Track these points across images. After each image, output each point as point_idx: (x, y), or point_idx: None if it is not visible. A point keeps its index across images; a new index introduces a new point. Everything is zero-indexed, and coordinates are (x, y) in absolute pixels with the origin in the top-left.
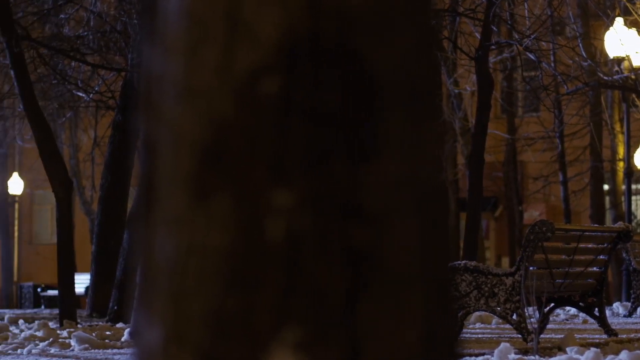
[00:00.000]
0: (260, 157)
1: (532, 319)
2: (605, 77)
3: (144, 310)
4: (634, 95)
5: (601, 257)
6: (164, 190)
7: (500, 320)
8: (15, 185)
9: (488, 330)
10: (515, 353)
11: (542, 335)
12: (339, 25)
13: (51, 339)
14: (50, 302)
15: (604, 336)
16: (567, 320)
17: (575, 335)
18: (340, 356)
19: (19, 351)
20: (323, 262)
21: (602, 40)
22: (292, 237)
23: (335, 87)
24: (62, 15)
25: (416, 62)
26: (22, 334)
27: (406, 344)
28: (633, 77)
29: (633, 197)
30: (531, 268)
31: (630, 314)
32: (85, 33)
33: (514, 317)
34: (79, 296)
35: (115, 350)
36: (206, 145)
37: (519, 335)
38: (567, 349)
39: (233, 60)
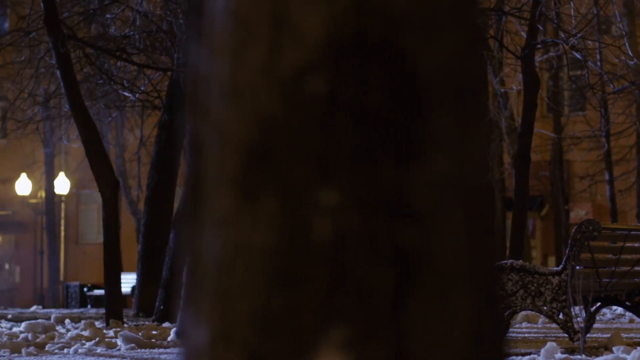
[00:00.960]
0: (307, 156)
1: (578, 318)
2: None
3: (191, 309)
4: None
5: None
6: (210, 190)
7: (547, 320)
8: (62, 185)
9: (534, 330)
10: (562, 352)
11: (588, 335)
12: (385, 23)
13: (97, 339)
14: (96, 302)
15: None
16: (613, 319)
17: (621, 334)
18: (386, 356)
19: (65, 350)
20: (369, 261)
21: None
22: (338, 237)
23: (381, 86)
24: (108, 15)
25: (462, 61)
26: (69, 334)
27: (453, 343)
28: None
29: None
30: (577, 267)
31: None
32: (132, 33)
33: (561, 316)
34: (125, 296)
35: (161, 350)
36: (252, 144)
37: (566, 335)
38: (614, 349)
39: (279, 59)
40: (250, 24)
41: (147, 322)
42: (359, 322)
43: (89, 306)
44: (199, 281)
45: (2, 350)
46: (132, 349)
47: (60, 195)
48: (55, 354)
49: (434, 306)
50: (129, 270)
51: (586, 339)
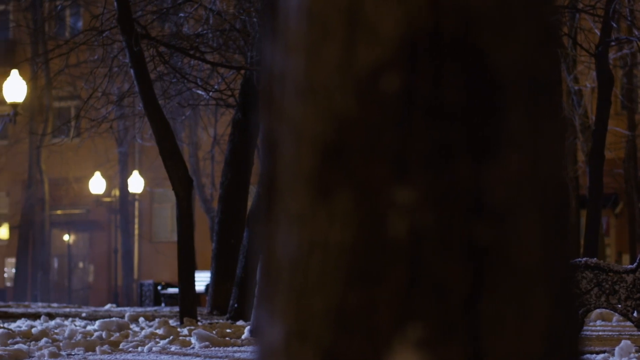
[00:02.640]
0: (382, 154)
1: None
2: None
3: (266, 307)
4: None
5: None
6: (285, 188)
7: (621, 318)
8: (136, 183)
9: (609, 328)
10: (637, 351)
11: None
12: (460, 21)
13: (171, 337)
14: (170, 300)
15: None
16: None
17: None
18: (462, 354)
19: (139, 349)
20: (445, 259)
21: None
22: (414, 234)
23: (456, 84)
24: (181, 14)
25: (537, 58)
26: (143, 332)
27: (528, 341)
28: None
29: None
30: None
31: None
32: (205, 31)
33: (635, 314)
34: (199, 294)
35: (235, 348)
36: (328, 142)
37: None
38: None
39: (354, 57)
40: (325, 22)
41: (221, 321)
42: (435, 320)
43: (162, 304)
44: (274, 278)
45: (76, 349)
46: (206, 347)
47: (134, 194)
48: (130, 352)
49: (510, 304)
50: (203, 268)
51: None
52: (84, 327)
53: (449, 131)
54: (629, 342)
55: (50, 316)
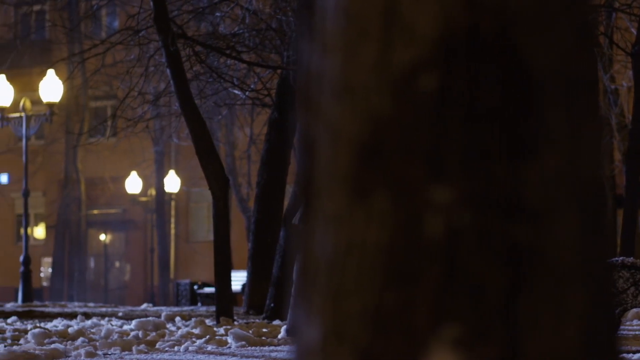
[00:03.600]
0: (419, 153)
1: None
2: None
3: (303, 307)
4: None
5: None
6: (322, 188)
7: None
8: (172, 183)
9: None
10: None
11: None
12: (497, 20)
13: (208, 336)
14: (206, 300)
15: None
16: None
17: None
18: (499, 354)
19: (176, 348)
20: (482, 259)
21: None
22: (451, 234)
23: (493, 83)
24: (217, 14)
25: (575, 58)
26: (179, 331)
27: (566, 341)
28: None
29: None
30: None
31: None
32: (241, 31)
33: None
34: (236, 293)
35: (272, 348)
36: (364, 142)
37: None
38: None
39: (390, 56)
40: (362, 22)
41: (257, 320)
42: (472, 320)
43: (199, 304)
44: (311, 278)
45: (113, 348)
46: (243, 346)
47: (171, 194)
48: (166, 351)
49: (547, 304)
50: (239, 268)
51: None
52: (121, 326)
53: (486, 131)
54: None
55: (87, 316)
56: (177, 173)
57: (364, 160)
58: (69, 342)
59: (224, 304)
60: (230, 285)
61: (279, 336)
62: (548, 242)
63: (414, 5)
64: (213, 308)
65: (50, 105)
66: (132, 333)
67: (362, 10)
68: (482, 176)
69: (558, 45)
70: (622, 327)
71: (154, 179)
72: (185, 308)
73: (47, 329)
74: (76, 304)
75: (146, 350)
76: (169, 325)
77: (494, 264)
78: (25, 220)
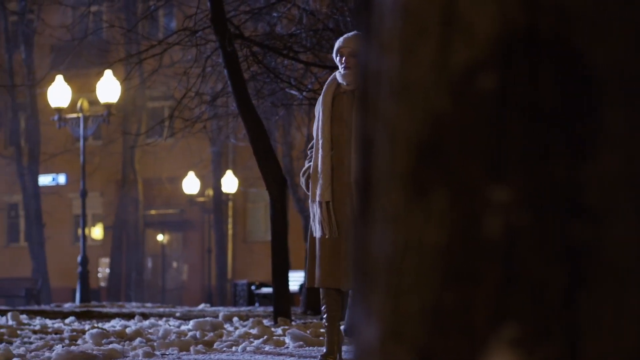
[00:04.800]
0: (477, 153)
1: None
2: None
3: (361, 306)
4: None
5: None
6: (380, 187)
7: None
8: (229, 183)
9: None
10: None
11: None
12: (557, 19)
13: (265, 337)
14: (264, 300)
15: None
16: None
17: None
18: (558, 354)
19: (233, 348)
20: (541, 259)
21: None
22: (509, 233)
23: (552, 83)
24: (274, 14)
25: (634, 57)
26: (237, 332)
27: (626, 340)
28: None
29: None
30: None
31: None
32: (298, 31)
33: None
34: (293, 294)
35: None
36: (422, 141)
37: None
38: None
39: (449, 55)
40: (421, 20)
41: (315, 320)
42: (531, 320)
43: (256, 304)
44: (369, 278)
45: (170, 348)
46: (300, 346)
47: (228, 194)
48: (224, 352)
49: (607, 304)
50: (297, 268)
51: None
52: (178, 326)
53: (545, 130)
54: None
55: (144, 316)
56: (235, 173)
57: (422, 159)
58: (127, 342)
59: (282, 304)
60: (287, 285)
61: None
62: (607, 242)
63: (473, 4)
64: (270, 308)
65: (108, 105)
66: (190, 333)
67: (421, 8)
68: (541, 176)
69: (617, 45)
70: None
71: (212, 180)
72: (243, 308)
73: (104, 329)
74: (134, 304)
75: (204, 351)
76: (227, 326)
77: (553, 264)
78: (83, 221)
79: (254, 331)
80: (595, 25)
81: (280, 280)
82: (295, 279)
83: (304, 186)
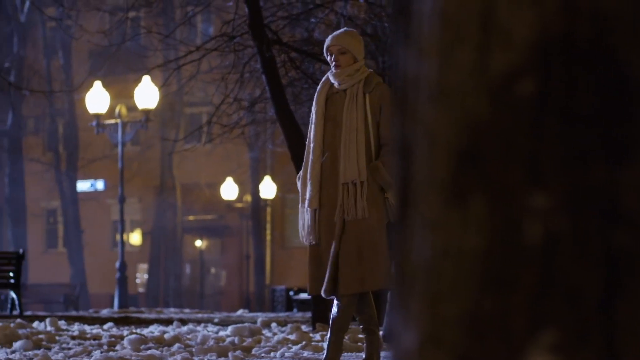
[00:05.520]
0: (516, 158)
1: None
2: None
3: (400, 312)
4: None
5: None
6: (419, 193)
7: None
8: (268, 189)
9: None
10: None
11: None
12: (594, 25)
13: (304, 342)
14: (302, 305)
15: None
16: None
17: None
18: (596, 359)
19: (272, 354)
20: (580, 264)
21: None
22: (548, 239)
23: (590, 88)
24: (312, 19)
25: None
26: (275, 337)
27: None
28: None
29: None
30: None
31: None
32: None
33: None
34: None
35: None
36: (461, 147)
37: None
38: None
39: (487, 61)
40: (459, 26)
41: (353, 326)
42: (570, 325)
43: (295, 310)
44: (408, 284)
45: (209, 354)
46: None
47: (266, 200)
48: (262, 357)
49: None
50: None
51: None
52: (217, 332)
53: (584, 135)
54: None
55: (183, 322)
56: (273, 179)
57: (461, 164)
58: (165, 348)
59: (320, 309)
60: None
61: None
62: None
63: (511, 9)
64: (309, 314)
65: (146, 111)
66: (228, 339)
67: (459, 14)
68: (580, 181)
69: None
70: None
71: (250, 185)
72: (281, 314)
73: (143, 335)
74: (172, 309)
75: (242, 356)
76: (265, 331)
77: (591, 269)
78: (121, 227)
79: (292, 337)
80: (633, 30)
81: None
82: None
83: (300, 191)
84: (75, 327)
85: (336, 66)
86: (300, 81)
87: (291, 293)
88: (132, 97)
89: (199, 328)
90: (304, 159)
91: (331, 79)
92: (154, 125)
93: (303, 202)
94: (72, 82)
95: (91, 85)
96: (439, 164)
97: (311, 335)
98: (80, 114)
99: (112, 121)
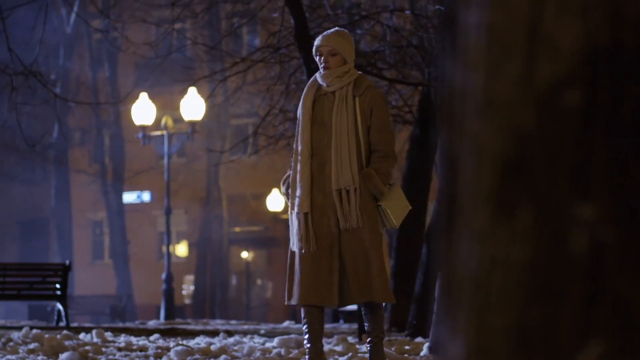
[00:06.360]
0: (563, 170)
1: None
2: None
3: (446, 323)
4: None
5: None
6: (466, 204)
7: None
8: None
9: None
10: None
11: None
12: None
13: (350, 354)
14: (348, 317)
15: None
16: None
17: None
18: None
19: None
20: (627, 275)
21: None
22: (595, 250)
23: (637, 99)
24: (358, 31)
25: None
26: None
27: None
28: None
29: None
30: None
31: None
32: (382, 48)
33: None
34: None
35: None
36: (508, 158)
37: None
38: None
39: (534, 72)
40: (506, 37)
41: (399, 337)
42: (617, 337)
43: (341, 321)
44: (455, 295)
45: None
46: None
47: None
48: None
49: None
50: None
51: None
52: (263, 344)
53: (630, 147)
54: None
55: (229, 333)
56: None
57: (508, 176)
58: (212, 359)
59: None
60: None
61: (422, 353)
62: None
63: (558, 20)
64: (355, 325)
65: (192, 123)
66: (275, 351)
67: (506, 25)
68: (626, 192)
69: None
70: None
71: None
72: (328, 325)
73: (189, 347)
74: (218, 321)
75: None
76: None
77: (638, 281)
78: (168, 238)
79: (338, 348)
80: None
81: None
82: None
83: (284, 196)
84: (122, 339)
85: (325, 67)
86: None
87: None
88: (178, 108)
89: (245, 339)
90: (292, 163)
91: (319, 80)
92: (199, 136)
93: (292, 206)
94: (118, 93)
95: (137, 97)
96: (485, 175)
97: (357, 346)
98: (127, 125)
99: (158, 133)
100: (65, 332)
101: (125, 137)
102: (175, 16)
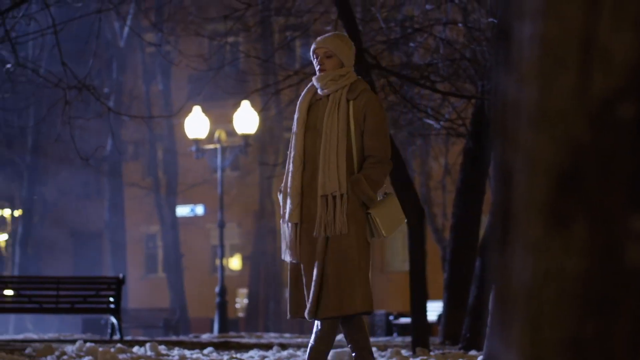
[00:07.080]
0: (618, 181)
1: None
2: None
3: (500, 336)
4: None
5: None
6: (520, 217)
7: None
8: None
9: None
10: None
11: None
12: None
13: None
14: (402, 330)
15: None
16: None
17: None
18: None
19: None
20: None
21: None
22: None
23: None
24: (411, 44)
25: None
26: None
27: None
28: None
29: None
30: None
31: None
32: (435, 61)
33: None
34: (431, 324)
35: None
36: (562, 170)
37: None
38: None
39: (588, 84)
40: (559, 50)
41: (453, 350)
42: None
43: (395, 334)
44: (509, 307)
45: None
46: None
47: None
48: None
49: None
50: (435, 298)
51: None
52: None
53: None
54: None
55: (283, 346)
56: None
57: (562, 188)
58: None
59: (420, 334)
60: (426, 315)
61: None
62: None
63: (612, 33)
64: (409, 338)
65: (245, 136)
66: None
67: (559, 38)
68: None
69: None
70: None
71: None
72: (381, 338)
73: None
74: (272, 334)
75: None
76: None
77: None
78: (221, 251)
79: None
80: None
81: (419, 310)
82: (434, 309)
83: (281, 204)
84: (175, 352)
85: (321, 70)
86: (399, 105)
87: (391, 317)
88: (231, 122)
89: (299, 353)
90: (285, 171)
91: (315, 83)
92: (253, 150)
93: (284, 216)
94: (172, 107)
95: (190, 110)
96: (539, 187)
97: (411, 359)
98: (180, 139)
99: (212, 146)
100: (119, 345)
101: (179, 151)
102: (228, 29)
